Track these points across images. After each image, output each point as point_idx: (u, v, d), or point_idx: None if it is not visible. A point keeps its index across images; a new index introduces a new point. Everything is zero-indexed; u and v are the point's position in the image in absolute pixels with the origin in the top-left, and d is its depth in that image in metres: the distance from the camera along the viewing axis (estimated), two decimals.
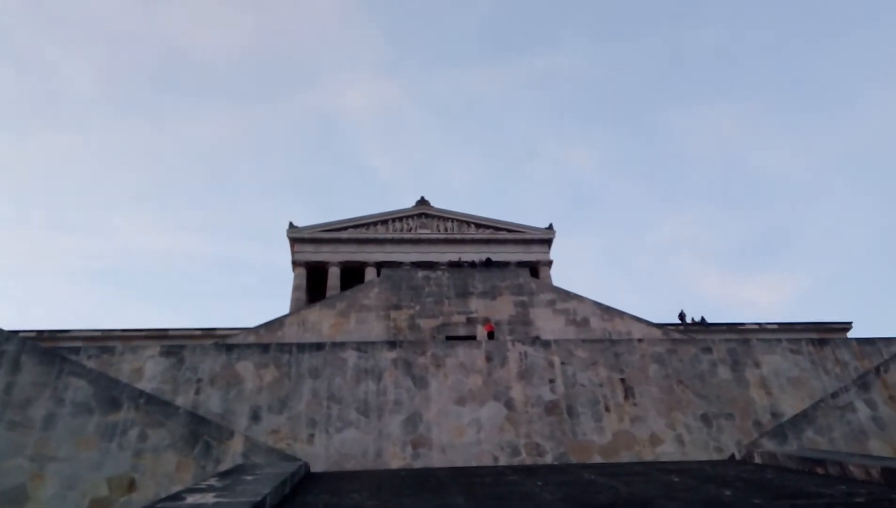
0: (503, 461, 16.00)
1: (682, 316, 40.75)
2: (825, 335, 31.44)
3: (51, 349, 15.74)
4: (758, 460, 12.69)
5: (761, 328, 37.75)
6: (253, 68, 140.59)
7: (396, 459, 15.84)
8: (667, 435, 16.85)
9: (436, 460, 15.84)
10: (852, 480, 9.53)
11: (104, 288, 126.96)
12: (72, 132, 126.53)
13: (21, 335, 15.61)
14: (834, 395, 15.01)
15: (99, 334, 35.04)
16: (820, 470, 10.53)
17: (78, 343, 30.78)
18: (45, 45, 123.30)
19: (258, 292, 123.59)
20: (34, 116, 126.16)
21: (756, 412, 17.65)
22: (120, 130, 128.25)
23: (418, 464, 15.63)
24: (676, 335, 26.70)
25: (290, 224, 49.72)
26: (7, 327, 14.58)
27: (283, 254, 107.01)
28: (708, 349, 18.98)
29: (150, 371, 17.10)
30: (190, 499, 7.42)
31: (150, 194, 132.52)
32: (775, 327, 37.79)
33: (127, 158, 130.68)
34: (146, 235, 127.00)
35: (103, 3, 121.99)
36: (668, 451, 16.48)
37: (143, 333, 35.62)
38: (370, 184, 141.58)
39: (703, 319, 40.10)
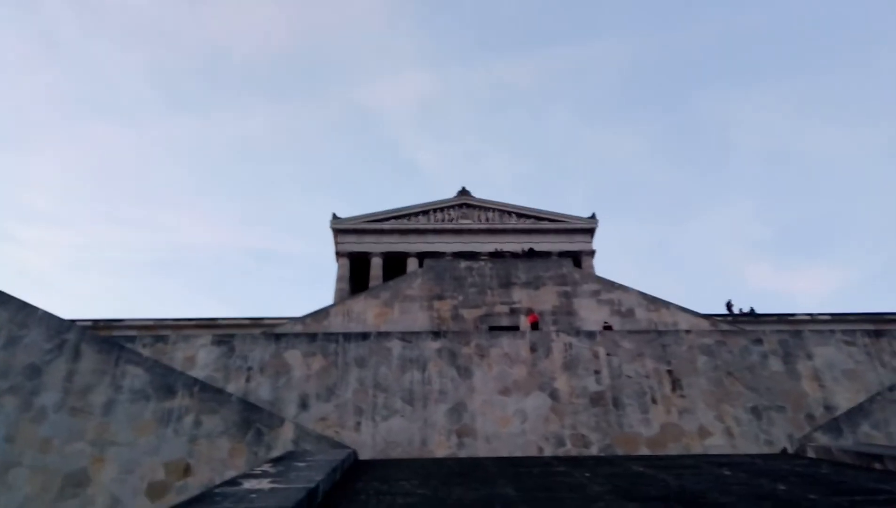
0: (548, 451, 15.98)
1: (729, 306, 39.94)
2: (880, 327, 30.43)
3: (108, 338, 16.30)
4: (811, 454, 12.41)
5: (813, 318, 36.73)
6: (293, 64, 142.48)
7: (441, 448, 15.98)
8: (716, 428, 16.58)
9: (480, 449, 15.91)
10: None
11: (155, 279, 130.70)
12: (124, 127, 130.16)
13: (78, 324, 16.18)
14: (892, 388, 14.57)
15: (152, 323, 36.10)
16: (878, 466, 10.25)
17: (132, 332, 31.82)
18: (95, 43, 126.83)
19: (301, 283, 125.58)
20: (87, 112, 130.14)
21: (808, 405, 17.22)
22: (169, 126, 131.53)
23: (463, 453, 15.74)
24: (725, 326, 26.20)
25: (334, 215, 50.31)
26: (65, 317, 15.13)
27: (325, 246, 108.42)
28: (758, 341, 18.57)
29: (202, 360, 17.57)
30: (246, 485, 7.63)
31: (197, 188, 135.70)
32: (828, 317, 36.70)
33: (175, 153, 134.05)
34: (193, 227, 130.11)
35: (149, 2, 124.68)
36: (716, 444, 16.22)
37: (194, 322, 36.54)
38: (411, 176, 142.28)
39: (752, 310, 39.24)
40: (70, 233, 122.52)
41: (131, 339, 18.32)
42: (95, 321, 35.39)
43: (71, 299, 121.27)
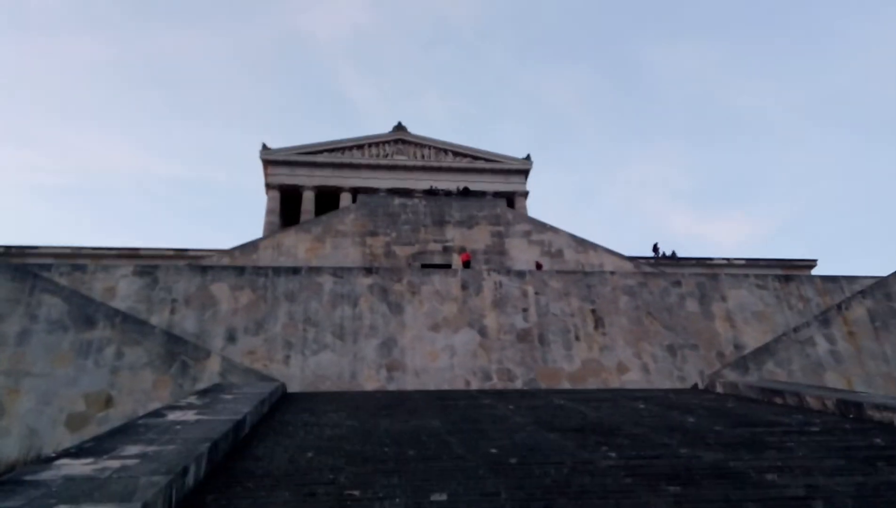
0: (475, 385, 16.45)
1: (655, 248, 41.44)
2: (791, 272, 32.31)
3: (21, 266, 15.53)
4: (720, 389, 13.23)
5: (729, 263, 38.59)
6: None
7: (371, 381, 16.19)
8: (633, 364, 17.42)
9: (409, 383, 16.21)
10: (809, 410, 10.02)
11: (66, 206, 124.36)
12: (32, 41, 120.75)
13: None
14: (796, 329, 15.59)
15: (69, 251, 34.50)
16: (778, 400, 11.04)
17: (48, 260, 30.34)
18: None
19: (227, 216, 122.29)
20: None
21: (720, 343, 18.27)
22: (82, 43, 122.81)
23: (392, 387, 16.01)
24: (648, 269, 27.20)
25: (264, 145, 48.65)
26: None
27: (252, 178, 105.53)
28: (677, 283, 19.42)
29: (123, 291, 17.00)
30: (171, 416, 7.54)
31: (113, 110, 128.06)
32: (743, 262, 38.65)
33: (89, 72, 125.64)
34: (109, 153, 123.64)
35: None
36: (633, 379, 17.08)
37: (115, 251, 35.19)
38: (343, 110, 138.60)
39: (673, 253, 40.83)
40: None
41: (47, 267, 17.49)
42: (7, 248, 33.58)
43: None
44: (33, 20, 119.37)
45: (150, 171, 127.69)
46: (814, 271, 38.18)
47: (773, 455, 6.49)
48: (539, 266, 25.96)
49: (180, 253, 35.44)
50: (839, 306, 16.14)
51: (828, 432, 7.98)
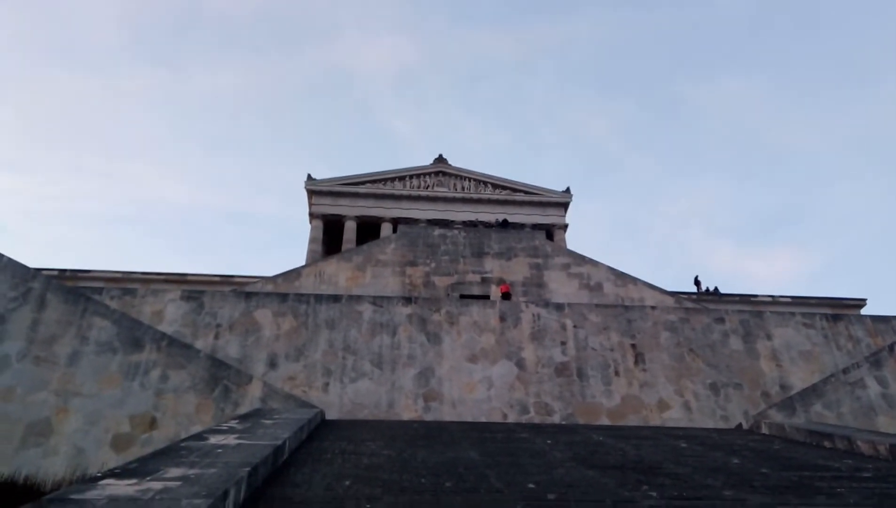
0: (512, 418, 16.30)
1: (697, 281, 40.71)
2: (838, 311, 31.32)
3: (74, 289, 16.08)
4: (765, 430, 12.85)
5: (775, 300, 37.63)
6: (270, 21, 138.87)
7: (408, 411, 16.19)
8: (674, 402, 17.06)
9: (446, 414, 16.16)
10: (859, 455, 9.66)
11: (122, 232, 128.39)
12: (92, 77, 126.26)
13: (44, 273, 15.90)
14: (845, 370, 15.08)
15: (120, 275, 35.56)
16: (827, 444, 10.67)
17: (99, 284, 31.32)
18: None
19: (271, 244, 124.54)
20: (52, 60, 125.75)
21: (765, 383, 17.78)
22: (140, 78, 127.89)
23: (429, 417, 15.97)
24: (689, 304, 26.71)
25: (308, 176, 49.73)
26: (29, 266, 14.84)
27: (296, 208, 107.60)
28: (721, 320, 19.03)
29: (170, 315, 17.44)
30: (213, 440, 7.67)
31: (166, 143, 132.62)
32: (789, 300, 37.64)
33: (145, 106, 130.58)
34: (162, 183, 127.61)
35: None
36: (674, 417, 16.70)
37: (163, 276, 36.14)
38: (386, 142, 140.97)
39: (716, 289, 40.02)
40: (31, 181, 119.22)
41: (98, 291, 18.08)
42: (61, 271, 34.76)
43: (33, 247, 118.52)
44: (90, 55, 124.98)
45: (199, 200, 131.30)
46: (863, 311, 36.93)
47: (822, 501, 6.28)
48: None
49: (226, 279, 36.24)
50: (891, 348, 15.58)
51: (881, 478, 7.68)
